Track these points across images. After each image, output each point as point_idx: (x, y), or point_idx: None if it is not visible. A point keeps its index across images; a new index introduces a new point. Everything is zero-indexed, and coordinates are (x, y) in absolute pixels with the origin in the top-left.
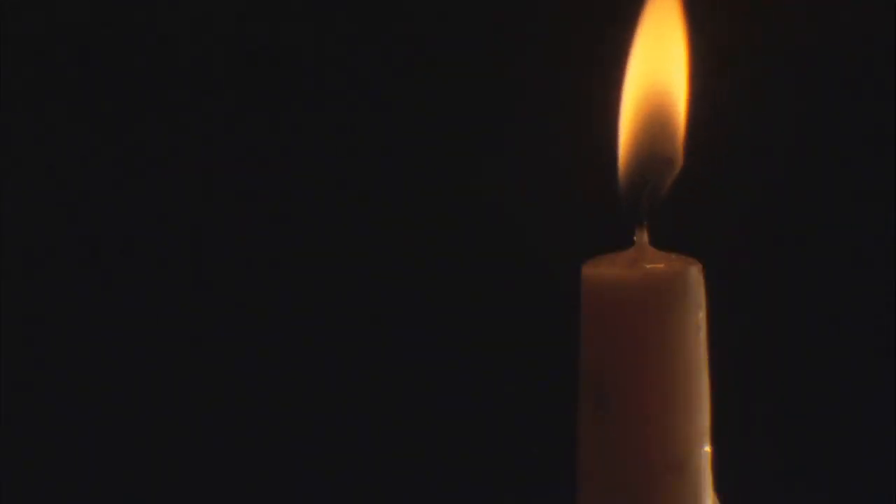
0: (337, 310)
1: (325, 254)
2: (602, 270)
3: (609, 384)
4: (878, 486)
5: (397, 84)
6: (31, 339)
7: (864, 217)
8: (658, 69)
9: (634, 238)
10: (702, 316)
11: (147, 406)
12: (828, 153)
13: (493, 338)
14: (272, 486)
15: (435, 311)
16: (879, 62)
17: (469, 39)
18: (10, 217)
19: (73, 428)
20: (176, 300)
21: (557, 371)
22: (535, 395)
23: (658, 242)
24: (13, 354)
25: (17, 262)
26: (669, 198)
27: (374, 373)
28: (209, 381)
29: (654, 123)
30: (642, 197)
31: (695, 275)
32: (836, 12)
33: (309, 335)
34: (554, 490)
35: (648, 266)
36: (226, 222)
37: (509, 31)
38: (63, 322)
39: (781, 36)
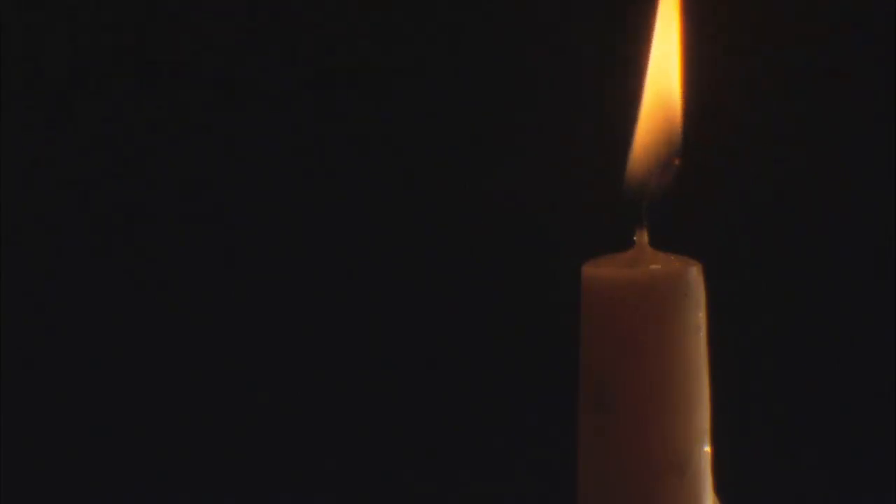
0: (336, 310)
1: (323, 254)
2: (602, 270)
3: (609, 384)
4: (878, 486)
5: (398, 84)
6: (31, 338)
7: (865, 217)
8: (665, 72)
9: (634, 238)
10: (702, 316)
11: (145, 406)
12: (828, 153)
13: (494, 338)
14: (274, 485)
15: (435, 311)
16: (880, 62)
17: (471, 38)
18: (10, 217)
19: (70, 428)
20: (181, 299)
21: (557, 371)
22: (535, 395)
23: (658, 243)
24: (12, 354)
25: (16, 262)
26: (669, 198)
27: (374, 373)
28: (213, 381)
29: (660, 127)
30: (643, 198)
31: (695, 275)
32: (837, 12)
33: (307, 335)
34: (554, 490)
35: (648, 266)
36: (238, 220)
37: (511, 30)
38: (59, 322)
39: (782, 35)
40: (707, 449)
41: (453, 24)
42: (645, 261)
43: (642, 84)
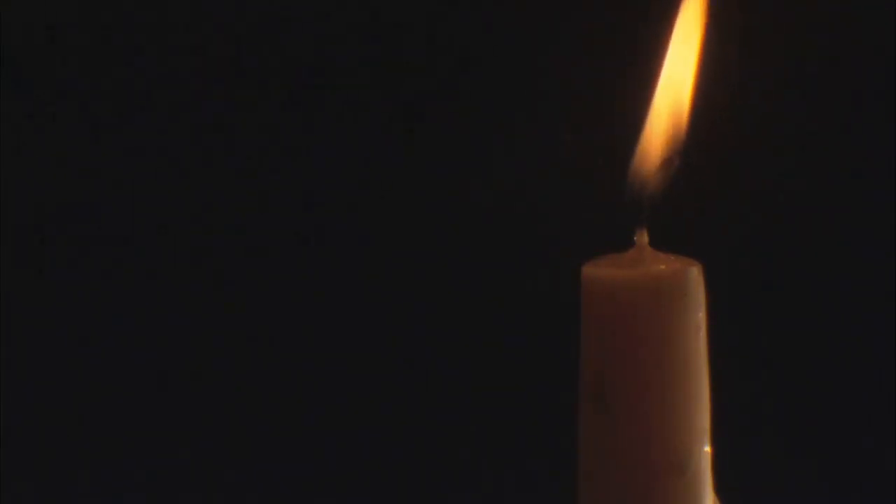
0: (335, 311)
1: (322, 255)
2: (602, 270)
3: (609, 384)
4: (878, 485)
5: (398, 83)
6: (31, 339)
7: (864, 217)
8: (679, 73)
9: (634, 238)
10: (702, 316)
11: (145, 406)
12: (828, 153)
13: (493, 338)
14: (275, 485)
15: (434, 311)
16: (879, 63)
17: (472, 38)
18: (10, 217)
19: (69, 428)
20: (181, 299)
21: (557, 371)
22: (535, 395)
23: (658, 243)
24: (12, 354)
25: (16, 263)
26: (669, 198)
27: (374, 373)
28: (212, 381)
29: (667, 126)
30: (644, 198)
31: (695, 275)
32: (838, 15)
33: (306, 337)
34: (554, 490)
35: (648, 266)
36: (232, 222)
37: (513, 29)
38: (58, 321)
39: (783, 36)
40: (707, 449)
41: (455, 22)
42: (645, 261)
43: (655, 83)
